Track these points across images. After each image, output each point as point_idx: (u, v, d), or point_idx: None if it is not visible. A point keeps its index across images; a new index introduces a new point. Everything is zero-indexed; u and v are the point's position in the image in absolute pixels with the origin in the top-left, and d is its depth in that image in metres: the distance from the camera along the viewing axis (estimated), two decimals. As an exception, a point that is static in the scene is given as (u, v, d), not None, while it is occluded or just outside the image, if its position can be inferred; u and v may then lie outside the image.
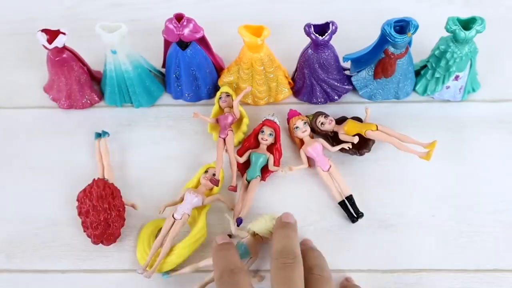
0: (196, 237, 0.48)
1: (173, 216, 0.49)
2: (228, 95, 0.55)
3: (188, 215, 0.49)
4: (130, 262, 0.49)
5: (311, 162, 0.53)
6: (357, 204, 0.50)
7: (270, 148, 0.53)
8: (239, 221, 0.49)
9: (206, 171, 0.51)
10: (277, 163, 0.52)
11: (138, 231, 0.51)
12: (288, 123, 0.55)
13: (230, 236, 0.49)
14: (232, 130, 0.53)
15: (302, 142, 0.54)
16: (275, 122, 0.53)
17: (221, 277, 0.41)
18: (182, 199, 0.50)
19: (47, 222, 0.52)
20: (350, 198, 0.51)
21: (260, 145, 0.53)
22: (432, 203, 0.51)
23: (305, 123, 0.53)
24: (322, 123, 0.54)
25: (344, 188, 0.51)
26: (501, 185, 0.52)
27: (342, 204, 0.51)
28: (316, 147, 0.52)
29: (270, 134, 0.53)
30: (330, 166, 0.52)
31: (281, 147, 0.53)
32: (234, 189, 0.51)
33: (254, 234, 0.48)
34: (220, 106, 0.55)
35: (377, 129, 0.52)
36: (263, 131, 0.53)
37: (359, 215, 0.50)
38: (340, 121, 0.55)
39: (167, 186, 0.53)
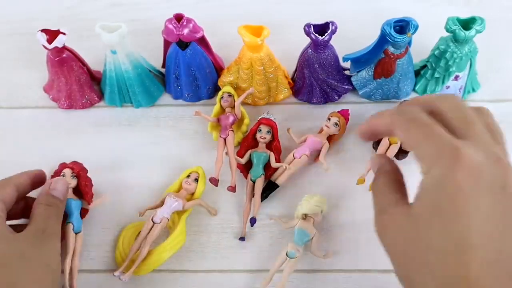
0: (174, 241, 0.48)
1: (152, 220, 0.48)
2: (230, 95, 0.55)
3: (167, 219, 0.48)
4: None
5: (315, 157, 0.54)
6: (357, 203, 0.51)
7: (269, 146, 0.53)
8: (253, 221, 0.49)
9: (188, 176, 0.51)
10: (278, 159, 0.53)
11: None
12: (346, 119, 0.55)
13: (243, 239, 0.49)
14: (233, 131, 0.53)
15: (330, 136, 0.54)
16: (272, 120, 0.53)
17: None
18: (162, 203, 0.49)
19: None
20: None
21: (259, 144, 0.53)
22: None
23: (335, 123, 0.53)
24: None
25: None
26: (501, 185, 0.52)
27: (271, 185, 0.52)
28: (316, 142, 0.53)
29: (268, 132, 0.53)
30: (301, 157, 0.52)
31: (279, 143, 0.53)
32: (233, 189, 0.51)
33: (304, 217, 0.48)
34: (221, 106, 0.55)
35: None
36: (260, 130, 0.53)
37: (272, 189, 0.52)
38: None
39: (167, 186, 0.53)
